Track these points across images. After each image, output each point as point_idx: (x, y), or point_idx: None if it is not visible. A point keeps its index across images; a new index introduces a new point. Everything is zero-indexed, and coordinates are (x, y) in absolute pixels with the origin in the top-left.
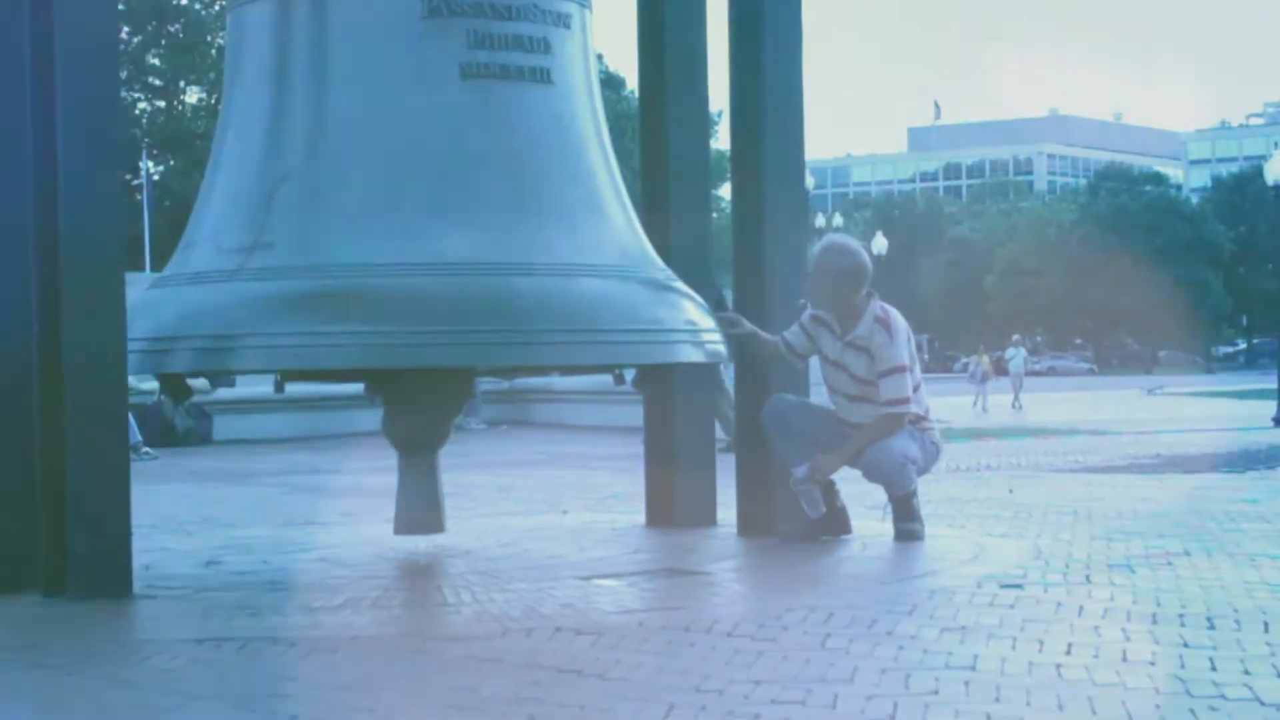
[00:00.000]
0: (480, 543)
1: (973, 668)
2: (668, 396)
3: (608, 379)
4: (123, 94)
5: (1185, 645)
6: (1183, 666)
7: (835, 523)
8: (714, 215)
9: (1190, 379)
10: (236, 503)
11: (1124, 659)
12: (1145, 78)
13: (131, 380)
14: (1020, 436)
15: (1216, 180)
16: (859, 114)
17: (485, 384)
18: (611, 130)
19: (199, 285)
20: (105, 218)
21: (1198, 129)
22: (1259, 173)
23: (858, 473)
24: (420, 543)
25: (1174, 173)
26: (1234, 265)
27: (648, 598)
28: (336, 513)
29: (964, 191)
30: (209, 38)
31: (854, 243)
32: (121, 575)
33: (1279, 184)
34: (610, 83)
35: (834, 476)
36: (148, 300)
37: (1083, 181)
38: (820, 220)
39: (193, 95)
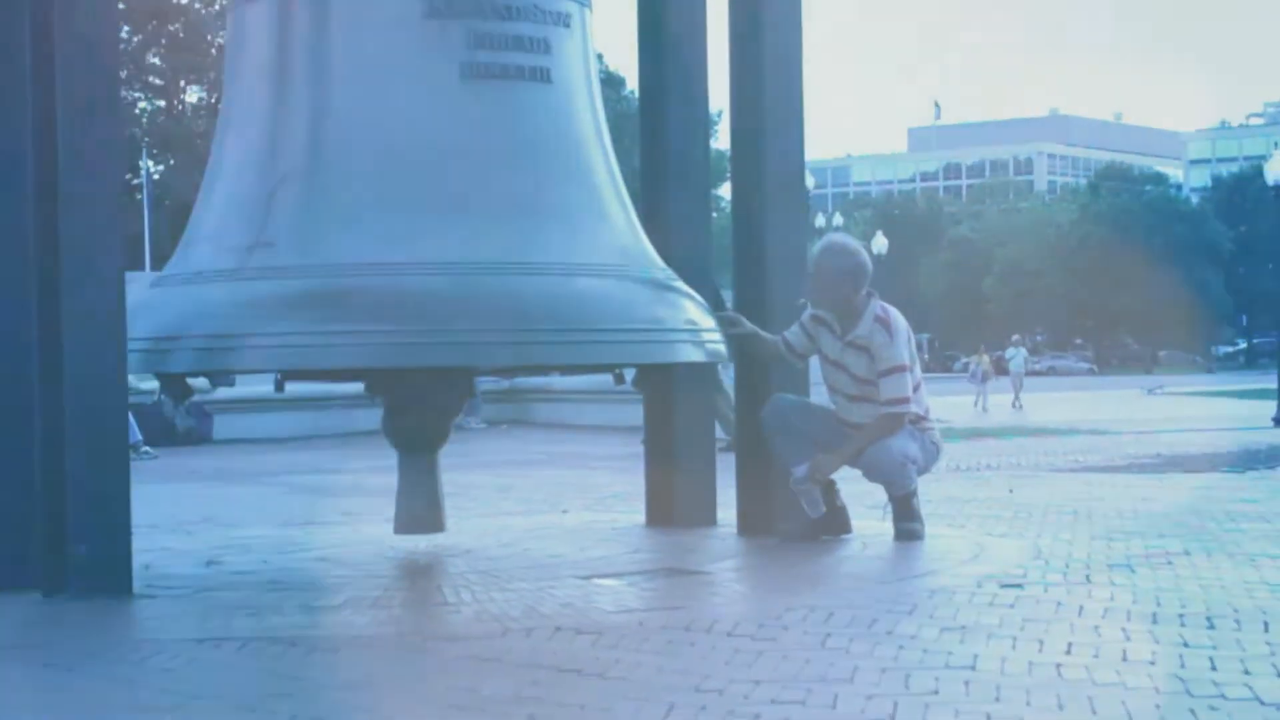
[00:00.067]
0: (480, 542)
1: (973, 667)
2: (668, 396)
3: (608, 378)
4: (123, 93)
5: (1185, 645)
6: (1183, 666)
7: (835, 522)
8: (714, 215)
9: (1190, 379)
10: (237, 502)
11: (1124, 659)
12: (1145, 77)
13: (131, 379)
14: (1020, 436)
15: (1217, 180)
16: (859, 114)
17: (485, 383)
18: (611, 130)
19: (199, 284)
20: (105, 217)
21: (1198, 129)
22: (1259, 172)
23: (858, 472)
24: (420, 542)
25: (1174, 172)
26: (1234, 265)
27: (648, 597)
28: (337, 512)
29: (964, 191)
30: (209, 37)
31: (854, 242)
32: (121, 575)
33: (1279, 184)
34: (610, 82)
35: (834, 476)
36: (148, 300)
37: (1083, 181)
38: (820, 220)
39: (193, 94)
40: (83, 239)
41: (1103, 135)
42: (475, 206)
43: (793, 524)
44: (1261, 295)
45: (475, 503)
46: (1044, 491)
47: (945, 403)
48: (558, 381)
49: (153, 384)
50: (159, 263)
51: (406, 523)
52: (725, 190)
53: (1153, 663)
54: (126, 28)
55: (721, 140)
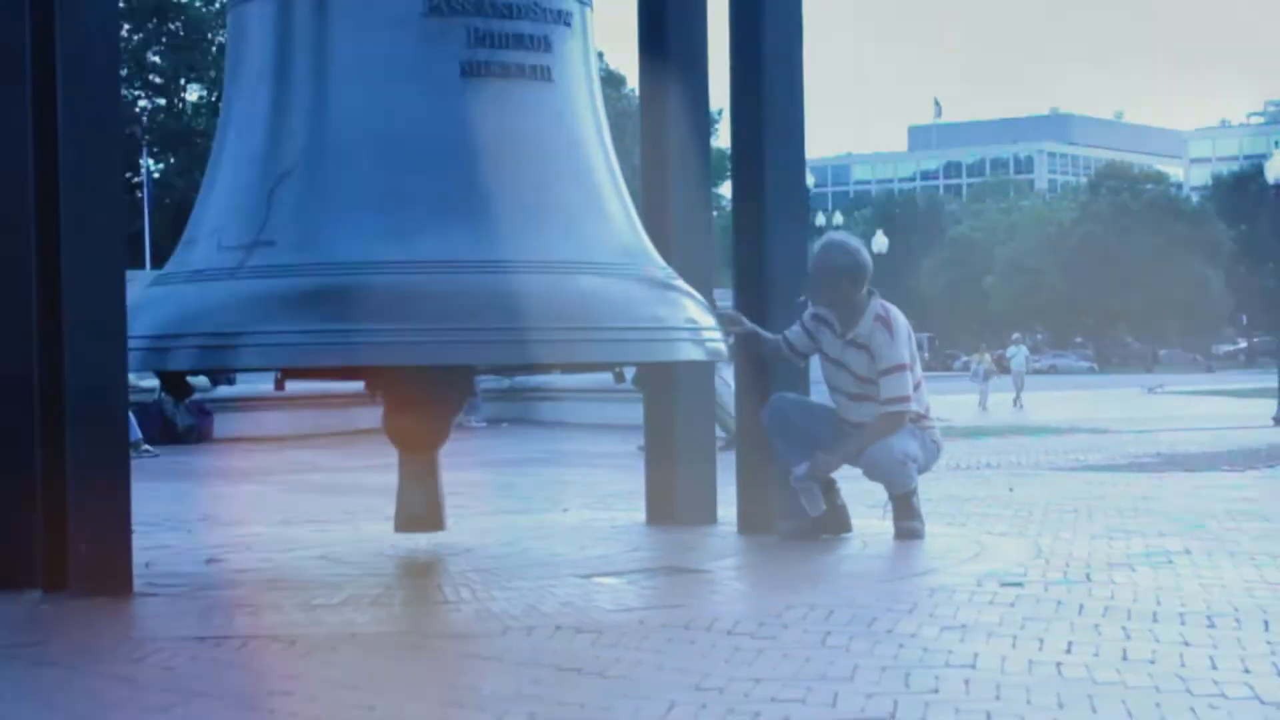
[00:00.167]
0: (480, 541)
1: (973, 666)
2: (668, 395)
3: (608, 377)
4: (123, 92)
5: (1185, 644)
6: (1183, 665)
7: (835, 521)
8: (714, 214)
9: (1190, 377)
10: (237, 500)
11: (1124, 657)
12: (1146, 76)
13: (132, 378)
14: (1021, 435)
15: (1217, 179)
16: (859, 112)
17: (485, 382)
18: (612, 128)
19: (199, 283)
20: (105, 216)
21: (1198, 127)
22: (1259, 171)
23: (858, 471)
24: (421, 541)
25: (1175, 171)
26: (1234, 264)
27: (648, 596)
28: (337, 511)
29: (964, 190)
30: (209, 35)
31: (854, 241)
32: (122, 573)
33: (1279, 182)
34: (611, 81)
35: (834, 475)
36: (148, 298)
37: (1083, 180)
38: (820, 219)
39: (193, 93)
40: (83, 238)
41: (1103, 134)
42: (475, 205)
43: (793, 522)
44: (1262, 294)
45: (476, 501)
46: (1044, 490)
47: (946, 401)
48: (558, 380)
49: (153, 382)
50: (159, 261)
51: (407, 521)
52: (726, 189)
53: (1153, 661)
54: (127, 26)
55: (722, 139)
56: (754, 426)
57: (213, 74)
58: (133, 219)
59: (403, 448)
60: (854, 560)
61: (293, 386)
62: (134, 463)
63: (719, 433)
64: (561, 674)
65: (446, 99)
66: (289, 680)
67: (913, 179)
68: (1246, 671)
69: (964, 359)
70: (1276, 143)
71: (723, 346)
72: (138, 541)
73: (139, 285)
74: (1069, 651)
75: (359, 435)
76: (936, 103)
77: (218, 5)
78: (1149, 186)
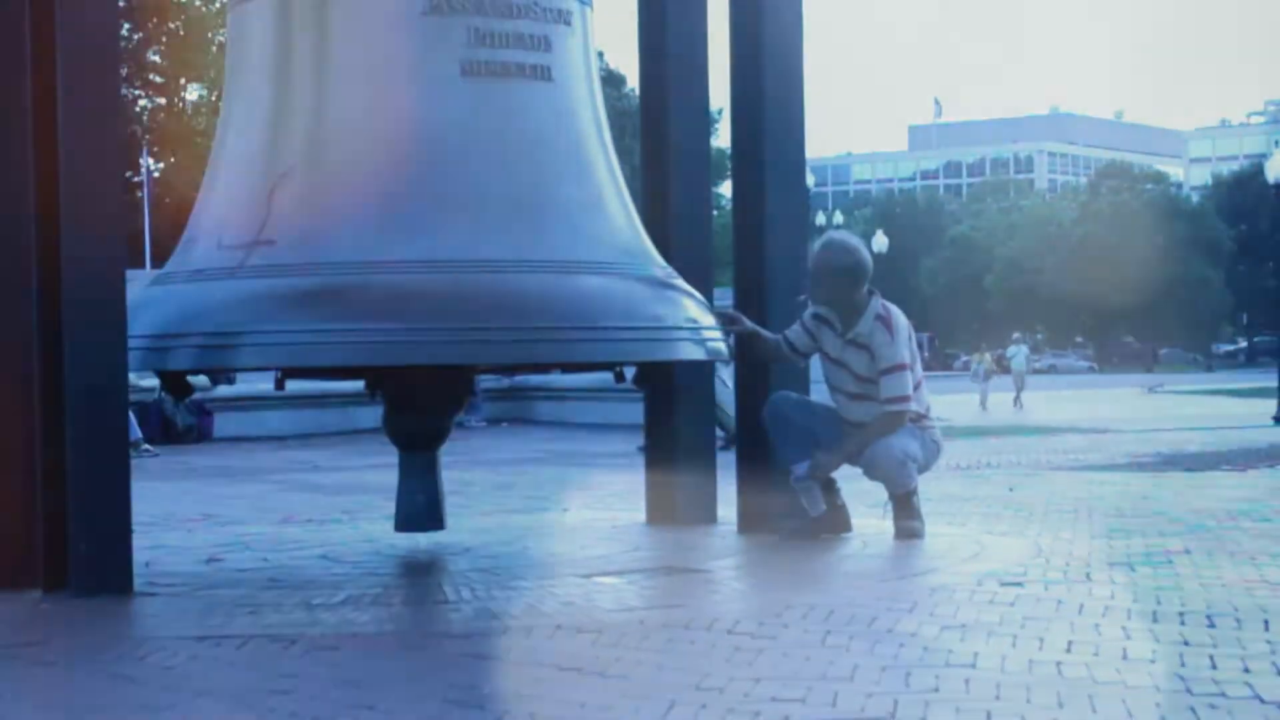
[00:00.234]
0: (481, 540)
1: (973, 665)
2: (668, 394)
3: (608, 376)
4: (123, 91)
5: (1185, 643)
6: (1183, 664)
7: (835, 520)
8: (714, 213)
9: (1191, 377)
10: (237, 500)
11: (1124, 657)
12: (1146, 76)
13: (132, 377)
14: (1021, 435)
15: (1217, 178)
16: (859, 111)
17: (486, 381)
18: (612, 128)
19: (199, 282)
20: (105, 216)
21: (1198, 127)
22: (1260, 171)
23: (858, 471)
24: (421, 540)
25: (1175, 171)
26: (1234, 263)
27: (648, 595)
28: (337, 510)
29: (964, 189)
30: (210, 35)
31: (854, 240)
32: (122, 572)
33: (1279, 182)
34: (611, 80)
35: (834, 474)
36: (148, 297)
37: (1083, 179)
38: (820, 218)
39: (193, 92)
40: (83, 237)
41: (1103, 133)
42: (475, 204)
43: (793, 522)
44: (1262, 294)
45: (476, 500)
46: (1044, 490)
47: (946, 401)
48: (558, 379)
49: (153, 382)
50: (159, 260)
51: (407, 520)
52: (726, 188)
53: (1153, 661)
54: (127, 25)
55: (722, 138)
56: (754, 426)
57: (213, 74)
58: (133, 219)
59: (403, 447)
60: (854, 560)
61: (293, 386)
62: (134, 463)
63: (717, 432)
64: (561, 673)
65: (446, 98)
66: (289, 680)
67: (913, 179)
68: (1246, 671)
69: (964, 358)
70: (1276, 142)
71: (723, 346)
72: (137, 541)
73: (139, 285)
74: (1069, 651)
75: (359, 434)
76: (936, 102)
77: (218, 5)
78: (1149, 186)
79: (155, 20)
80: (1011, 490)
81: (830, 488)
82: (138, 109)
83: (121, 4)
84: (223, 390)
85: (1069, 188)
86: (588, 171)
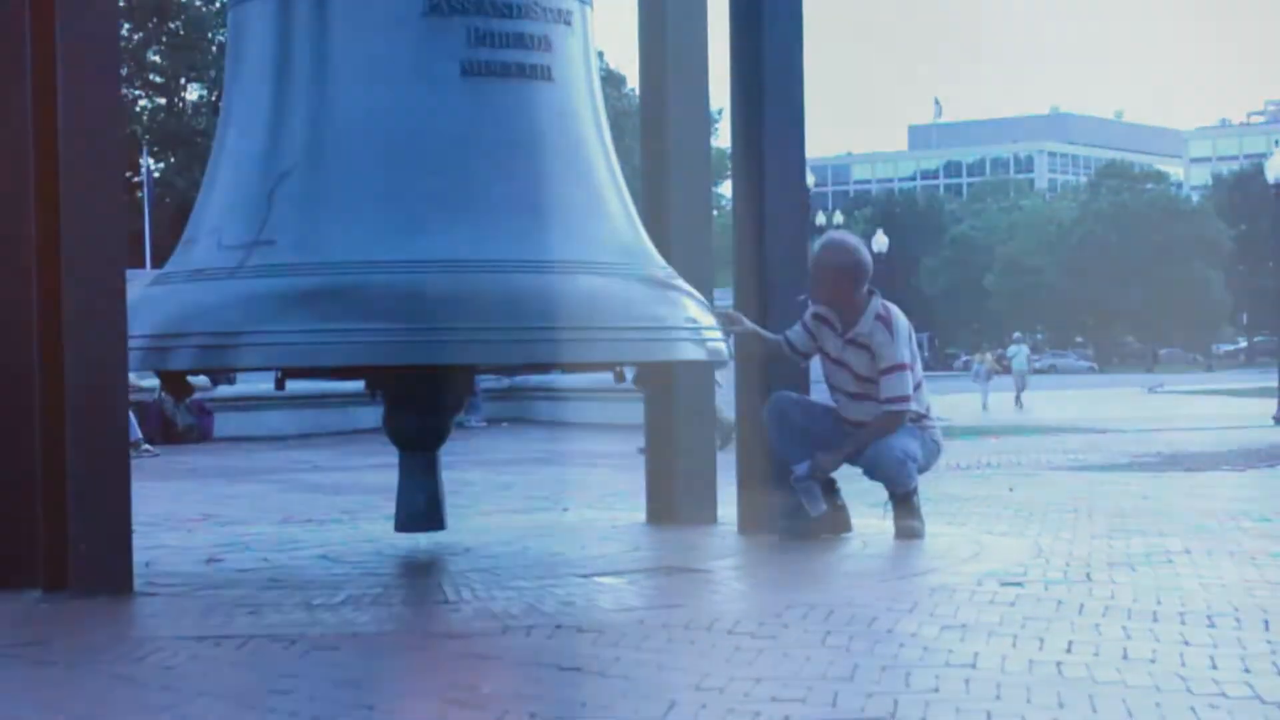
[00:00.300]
0: (481, 540)
1: (973, 665)
2: (668, 394)
3: (608, 376)
4: (123, 91)
5: (1186, 643)
6: (1183, 664)
7: (836, 520)
8: (715, 213)
9: (1191, 377)
10: (237, 500)
11: (1125, 657)
12: (1146, 75)
13: (132, 377)
14: (1020, 435)
15: (1217, 178)
16: (859, 112)
17: (485, 381)
18: (612, 128)
19: (200, 282)
20: (105, 216)
21: (1199, 127)
22: (1260, 171)
23: (858, 470)
24: (421, 540)
25: (1175, 170)
26: (1235, 263)
27: (648, 595)
28: (336, 510)
29: (965, 189)
30: (210, 35)
31: (854, 239)
32: (122, 572)
33: (1279, 182)
34: (611, 80)
35: (834, 474)
36: (148, 297)
37: (1083, 179)
38: (821, 218)
39: (193, 92)
40: (83, 237)
41: (1103, 133)
42: (476, 204)
43: (793, 522)
44: (1262, 294)
45: (476, 500)
46: (1044, 490)
47: (946, 401)
48: (558, 379)
49: (153, 382)
50: (159, 260)
51: (407, 520)
52: (726, 188)
53: (1153, 661)
54: (127, 25)
55: (722, 138)
56: (754, 426)
57: (213, 74)
58: (133, 219)
59: (403, 447)
60: (854, 560)
61: (293, 386)
62: (134, 463)
63: None
64: (562, 673)
65: (446, 98)
66: (289, 680)
67: (913, 179)
68: (1247, 671)
69: (964, 358)
70: (1276, 142)
71: (723, 346)
72: (137, 541)
73: (139, 285)
74: (1069, 651)
75: (359, 434)
76: (937, 102)
77: (218, 4)
78: (1149, 186)
79: (155, 20)
80: (1011, 490)
81: (830, 488)
82: (138, 109)
83: (121, 4)
84: (223, 390)
85: (1069, 188)
86: (588, 171)
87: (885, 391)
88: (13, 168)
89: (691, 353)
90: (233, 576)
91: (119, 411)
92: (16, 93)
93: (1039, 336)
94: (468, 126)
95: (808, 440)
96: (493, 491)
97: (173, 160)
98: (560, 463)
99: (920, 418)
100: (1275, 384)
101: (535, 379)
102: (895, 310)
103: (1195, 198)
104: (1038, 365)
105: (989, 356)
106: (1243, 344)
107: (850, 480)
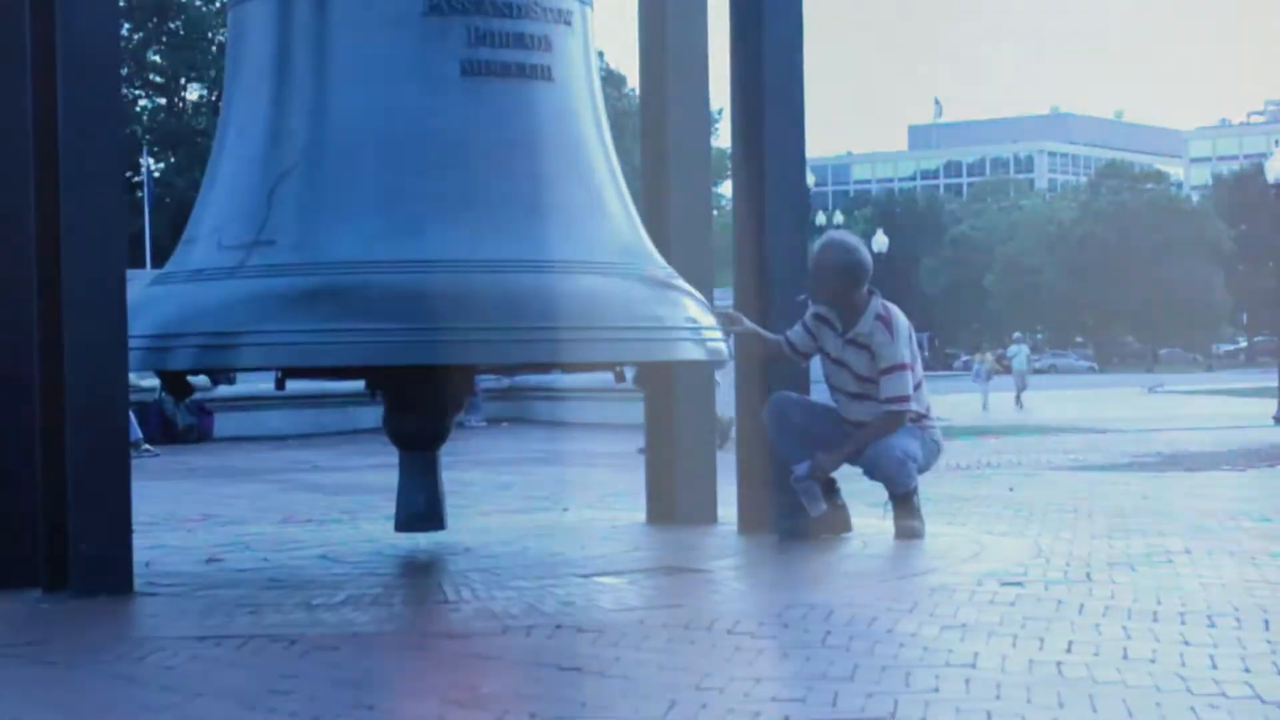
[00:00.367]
0: (481, 540)
1: (973, 665)
2: (668, 394)
3: (608, 376)
4: (123, 91)
5: (1186, 643)
6: (1183, 664)
7: (836, 520)
8: (715, 213)
9: (1191, 377)
10: (237, 500)
11: (1125, 657)
12: (1146, 75)
13: (132, 377)
14: (1020, 435)
15: (1217, 178)
16: (860, 111)
17: (485, 381)
18: (612, 128)
19: (200, 282)
20: (105, 216)
21: (1199, 127)
22: (1260, 171)
23: (858, 470)
24: (421, 540)
25: (1175, 170)
26: (1235, 263)
27: (648, 595)
28: (337, 510)
29: (965, 189)
30: (210, 34)
31: (854, 239)
32: (122, 572)
33: (1279, 182)
34: (611, 80)
35: (834, 474)
36: (148, 297)
37: (1083, 179)
38: (821, 218)
39: (193, 92)
40: (84, 237)
41: (1104, 133)
42: (476, 204)
43: (793, 522)
44: (1262, 294)
45: (476, 500)
46: (1044, 490)
47: (947, 401)
48: (558, 379)
49: (153, 382)
50: (159, 260)
51: (407, 520)
52: (726, 188)
53: (1153, 661)
54: (127, 25)
55: (722, 138)
56: (754, 426)
57: (213, 73)
58: (133, 219)
59: (403, 447)
60: (854, 560)
61: (293, 386)
62: (134, 462)
63: None
64: (562, 673)
65: (447, 98)
66: (289, 680)
67: (913, 178)
68: (1247, 671)
69: (964, 358)
70: (1277, 142)
71: (723, 346)
72: (138, 541)
73: (139, 285)
74: (1069, 651)
75: (359, 434)
76: (937, 102)
77: (218, 4)
78: (1149, 186)
79: (155, 20)
80: (1011, 490)
81: (830, 488)
82: (138, 109)
83: (121, 4)
84: (223, 390)
85: (1069, 188)
86: (588, 171)
87: (885, 391)
88: (13, 167)
89: (691, 353)
90: (233, 576)
91: (119, 411)
92: (17, 92)
93: (1039, 336)
94: (467, 126)
95: (808, 440)
96: (493, 491)
97: (173, 160)
98: (560, 463)
99: (920, 418)
100: (1275, 384)
101: (535, 379)
102: (895, 310)
103: (1195, 198)
104: (1038, 365)
105: (989, 356)
106: (1243, 344)
107: (850, 480)
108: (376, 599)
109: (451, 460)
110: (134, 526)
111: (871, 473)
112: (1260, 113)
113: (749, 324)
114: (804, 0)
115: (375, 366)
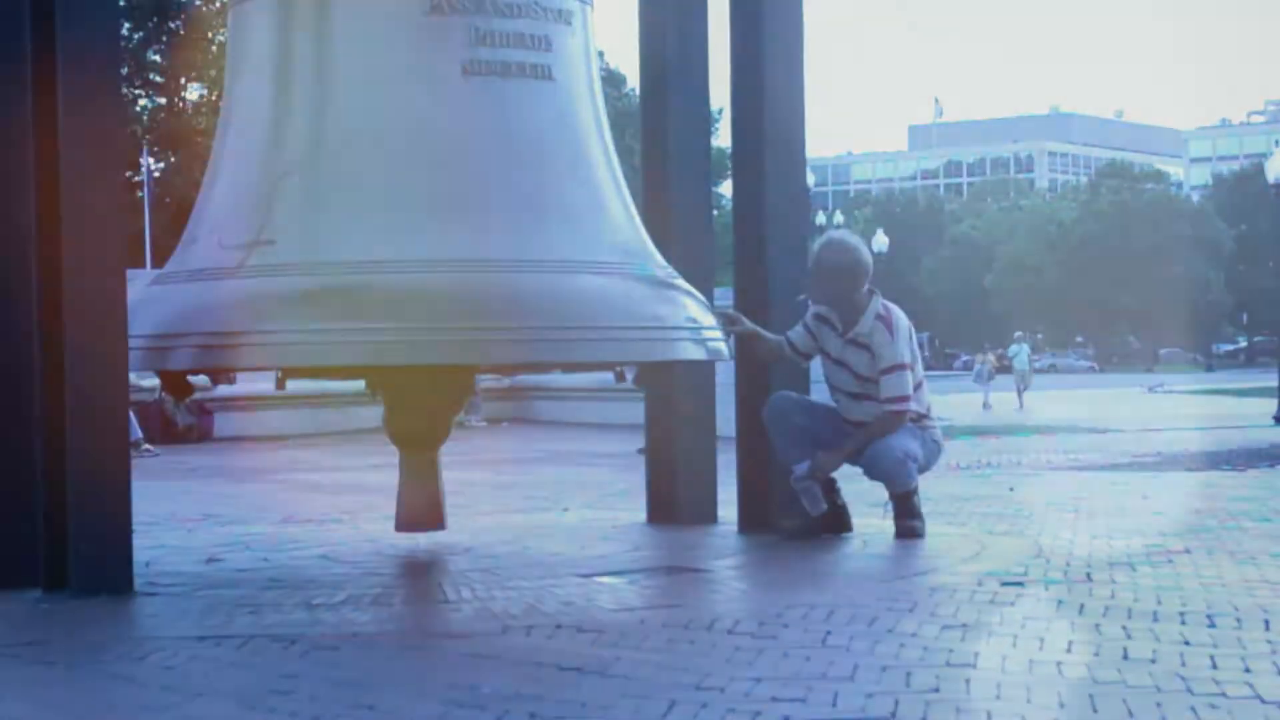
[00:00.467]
0: (481, 540)
1: (974, 665)
2: (668, 394)
3: (609, 376)
4: (123, 90)
5: (1186, 643)
6: (1183, 664)
7: (836, 520)
8: (715, 213)
9: (1191, 377)
10: (237, 500)
11: (1125, 657)
12: (1147, 75)
13: (132, 377)
14: (1021, 435)
15: (1217, 178)
16: (860, 111)
17: (486, 381)
18: (612, 128)
19: (200, 282)
20: (105, 216)
21: (1199, 126)
22: (1260, 170)
23: (859, 470)
24: (421, 540)
25: (1175, 170)
26: (1235, 263)
27: (648, 595)
28: (337, 510)
29: (965, 189)
30: (210, 34)
31: (854, 239)
32: (122, 572)
33: (1279, 182)
34: (611, 80)
35: (835, 474)
36: (149, 297)
37: (1084, 179)
38: (821, 218)
39: (194, 92)
40: (84, 237)
41: (1104, 133)
42: (476, 204)
43: (793, 522)
44: (1262, 293)
45: (476, 500)
46: (1045, 489)
47: (947, 401)
48: (558, 379)
49: (153, 382)
50: (160, 260)
51: (407, 520)
52: (726, 188)
53: (1154, 661)
54: (127, 24)
55: (722, 138)
56: (754, 426)
57: (213, 73)
58: (133, 219)
59: (403, 447)
60: (854, 560)
61: (293, 385)
62: (134, 462)
63: None
64: (562, 673)
65: (447, 98)
66: (289, 680)
67: (913, 178)
68: (1247, 671)
69: (965, 358)
70: (1277, 142)
71: (723, 346)
72: (138, 541)
73: (139, 285)
74: (1069, 651)
75: (359, 434)
76: (936, 102)
77: (219, 4)
78: (1149, 186)
79: (155, 20)
80: (1011, 490)
81: (830, 488)
82: (138, 109)
83: (121, 4)
84: (223, 390)
85: (1069, 187)
86: (588, 171)
87: (885, 391)
88: (13, 167)
89: (691, 352)
90: (233, 576)
91: (119, 411)
92: (17, 91)
93: (1039, 336)
94: (468, 126)
95: (808, 440)
96: (493, 491)
97: (173, 160)
98: (560, 463)
99: (921, 417)
100: (1275, 384)
101: (535, 378)
102: (896, 310)
103: (1195, 197)
104: (1038, 365)
105: (991, 356)
106: (1243, 344)
107: (850, 480)
108: (376, 599)
109: (451, 460)
110: (134, 526)
111: (871, 472)
112: (1260, 113)
113: (749, 324)
114: (804, 0)
115: (375, 366)
